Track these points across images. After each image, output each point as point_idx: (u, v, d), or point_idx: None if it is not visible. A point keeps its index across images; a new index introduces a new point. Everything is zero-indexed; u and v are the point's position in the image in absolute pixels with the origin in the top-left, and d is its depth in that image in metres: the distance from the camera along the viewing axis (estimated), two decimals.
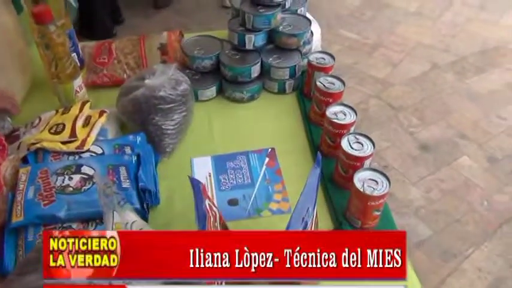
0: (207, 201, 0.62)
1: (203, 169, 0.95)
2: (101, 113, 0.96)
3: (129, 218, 0.62)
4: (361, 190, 0.76)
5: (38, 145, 0.85)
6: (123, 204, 0.63)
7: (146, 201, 0.82)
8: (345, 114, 0.90)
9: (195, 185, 0.62)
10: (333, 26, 2.98)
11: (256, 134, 1.04)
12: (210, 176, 0.94)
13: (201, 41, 1.15)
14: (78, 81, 1.00)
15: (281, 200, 0.89)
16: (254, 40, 1.08)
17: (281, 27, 1.10)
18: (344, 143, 0.84)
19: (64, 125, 0.90)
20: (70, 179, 0.78)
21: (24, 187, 0.77)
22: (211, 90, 1.11)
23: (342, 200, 0.85)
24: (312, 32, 1.15)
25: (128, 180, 0.80)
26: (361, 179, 0.78)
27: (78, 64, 1.06)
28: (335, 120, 0.89)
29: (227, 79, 1.10)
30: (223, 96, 1.13)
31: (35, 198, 0.75)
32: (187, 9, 3.21)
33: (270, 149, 0.99)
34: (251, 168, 0.95)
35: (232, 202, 0.89)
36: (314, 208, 0.63)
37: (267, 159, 0.97)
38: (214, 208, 0.64)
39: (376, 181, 0.78)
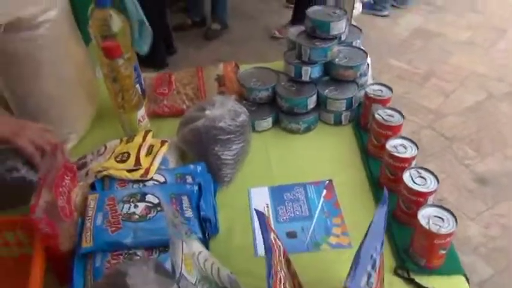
0: (272, 235, 0.62)
1: (261, 200, 0.96)
2: (163, 143, 0.99)
3: (196, 249, 0.63)
4: (427, 227, 0.74)
5: (105, 173, 0.89)
6: (190, 234, 0.64)
7: (207, 230, 0.83)
8: (405, 148, 0.89)
9: (260, 217, 0.62)
10: (382, 55, 2.96)
11: (313, 165, 1.04)
12: (267, 206, 0.94)
13: (258, 72, 1.18)
14: (142, 112, 1.04)
15: (340, 234, 0.87)
16: (310, 72, 1.10)
17: (337, 59, 1.10)
18: (406, 178, 0.82)
19: (129, 154, 0.93)
20: (135, 206, 0.81)
21: (93, 214, 0.80)
22: (268, 121, 1.12)
23: (404, 237, 0.83)
24: (368, 64, 1.15)
25: (190, 210, 0.82)
26: (426, 216, 0.76)
27: (142, 95, 1.11)
28: (395, 154, 0.87)
29: (283, 110, 1.11)
30: (279, 127, 1.14)
31: (103, 225, 0.77)
32: (237, 39, 3.29)
33: (327, 181, 0.99)
34: (309, 200, 0.95)
35: (291, 235, 0.88)
36: (382, 246, 0.62)
37: (324, 192, 0.96)
38: (278, 242, 0.64)
39: (441, 218, 0.75)
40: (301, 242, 0.87)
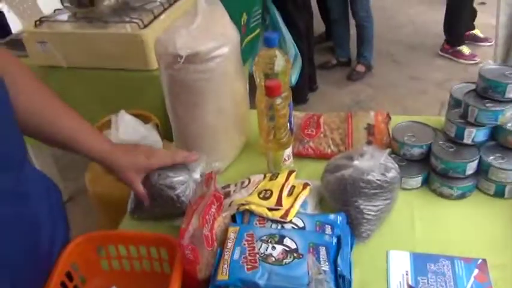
0: None
1: (400, 265, 0.88)
2: (305, 186, 0.98)
3: None
4: None
5: (247, 207, 0.90)
6: None
7: None
8: None
9: None
10: None
11: (464, 238, 0.93)
12: (407, 274, 0.86)
13: (413, 127, 1.11)
14: (288, 151, 1.05)
15: None
16: (475, 135, 1.00)
17: (509, 124, 0.99)
18: None
19: (272, 192, 0.94)
20: (273, 248, 0.80)
21: (231, 246, 0.81)
22: (417, 180, 1.04)
23: None
24: None
25: (327, 263, 0.78)
26: None
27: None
28: None
29: (436, 171, 1.02)
30: (428, 189, 1.05)
31: (240, 261, 0.78)
32: (379, 84, 3.23)
33: (480, 260, 0.87)
34: (456, 278, 0.85)
35: None
36: None
37: (476, 271, 0.86)
38: None
39: None
40: None
